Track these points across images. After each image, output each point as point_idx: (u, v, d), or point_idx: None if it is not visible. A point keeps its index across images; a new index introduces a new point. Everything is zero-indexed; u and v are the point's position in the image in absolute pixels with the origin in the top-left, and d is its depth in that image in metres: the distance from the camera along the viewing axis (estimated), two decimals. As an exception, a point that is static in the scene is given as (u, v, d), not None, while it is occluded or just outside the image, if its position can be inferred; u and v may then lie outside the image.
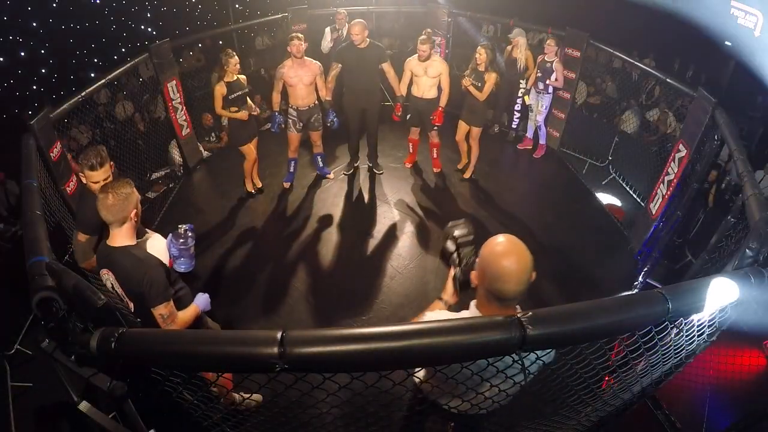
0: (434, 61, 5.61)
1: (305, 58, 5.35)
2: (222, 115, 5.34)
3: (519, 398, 1.71)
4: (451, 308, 2.07)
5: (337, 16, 7.34)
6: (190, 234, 2.88)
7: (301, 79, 5.38)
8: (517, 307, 1.78)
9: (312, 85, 5.48)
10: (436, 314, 1.96)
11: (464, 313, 1.93)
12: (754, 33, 10.32)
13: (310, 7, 7.98)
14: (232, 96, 5.25)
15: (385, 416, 2.18)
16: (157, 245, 2.90)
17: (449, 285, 2.09)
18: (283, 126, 5.63)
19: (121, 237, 2.56)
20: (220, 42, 9.95)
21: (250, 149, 5.68)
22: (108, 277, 2.66)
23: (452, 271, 2.08)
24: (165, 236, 2.95)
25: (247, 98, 5.41)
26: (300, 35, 5.28)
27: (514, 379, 1.55)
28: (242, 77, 5.41)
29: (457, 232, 2.11)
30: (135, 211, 2.54)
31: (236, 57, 5.24)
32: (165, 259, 2.85)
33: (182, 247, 2.85)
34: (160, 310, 2.56)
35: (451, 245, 2.12)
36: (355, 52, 5.55)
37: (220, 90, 5.21)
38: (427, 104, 5.84)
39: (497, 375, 1.44)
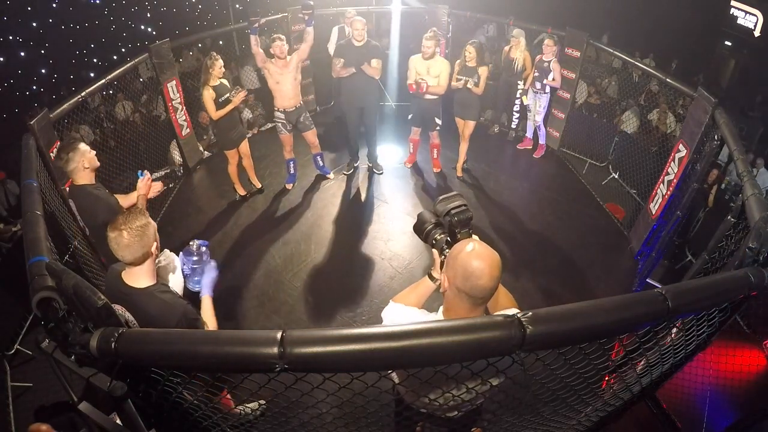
0: (437, 61, 5.60)
1: (287, 57, 5.36)
2: (219, 116, 5.29)
3: (517, 400, 1.71)
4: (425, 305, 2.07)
5: (347, 15, 7.25)
6: (203, 249, 2.71)
7: (287, 78, 5.39)
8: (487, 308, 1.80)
9: (297, 82, 5.49)
10: (405, 311, 1.98)
11: (431, 316, 1.93)
12: (753, 33, 10.35)
13: (310, 8, 7.96)
14: (221, 99, 5.25)
15: (385, 416, 2.18)
16: (169, 267, 2.76)
17: (437, 264, 2.02)
18: (261, 22, 5.42)
19: (141, 277, 2.31)
20: (221, 42, 9.96)
21: (234, 153, 5.69)
22: (122, 313, 2.36)
23: (436, 252, 2.01)
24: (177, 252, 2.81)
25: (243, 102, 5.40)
26: (282, 36, 5.31)
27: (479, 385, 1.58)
28: (224, 81, 5.41)
29: (452, 207, 1.94)
30: (156, 243, 2.31)
31: (221, 60, 5.24)
32: (179, 279, 2.73)
33: (195, 265, 2.69)
34: None
35: (432, 219, 2.01)
36: (353, 49, 5.56)
37: (210, 95, 5.18)
38: (429, 104, 5.84)
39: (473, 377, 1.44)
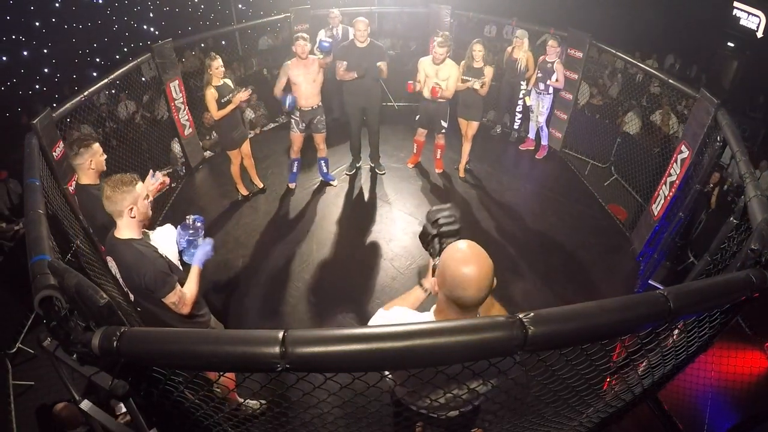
0: (446, 64, 5.58)
1: (309, 56, 5.34)
2: (221, 116, 5.29)
3: (518, 401, 1.71)
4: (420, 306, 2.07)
5: (330, 15, 7.24)
6: (198, 224, 2.90)
7: (306, 78, 5.36)
8: (479, 313, 1.76)
9: (316, 83, 5.46)
10: (395, 312, 1.96)
11: (424, 316, 1.92)
12: (756, 34, 10.33)
13: (312, 8, 7.98)
14: (224, 100, 5.24)
15: (386, 416, 2.18)
16: (164, 235, 2.94)
17: (430, 273, 2.04)
18: (295, 105, 5.41)
19: (123, 229, 2.63)
20: (223, 42, 9.97)
21: (236, 154, 5.70)
22: (112, 265, 2.79)
23: (431, 261, 2.03)
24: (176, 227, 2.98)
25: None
26: (305, 35, 5.26)
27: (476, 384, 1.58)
28: (228, 81, 5.40)
29: (440, 217, 1.98)
30: (131, 207, 2.59)
31: (219, 59, 5.23)
32: (171, 247, 2.89)
33: (191, 237, 2.87)
34: (171, 299, 2.65)
35: (432, 229, 2.02)
36: (356, 50, 5.55)
37: (212, 95, 5.17)
38: (436, 107, 5.83)
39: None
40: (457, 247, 1.69)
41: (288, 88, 5.43)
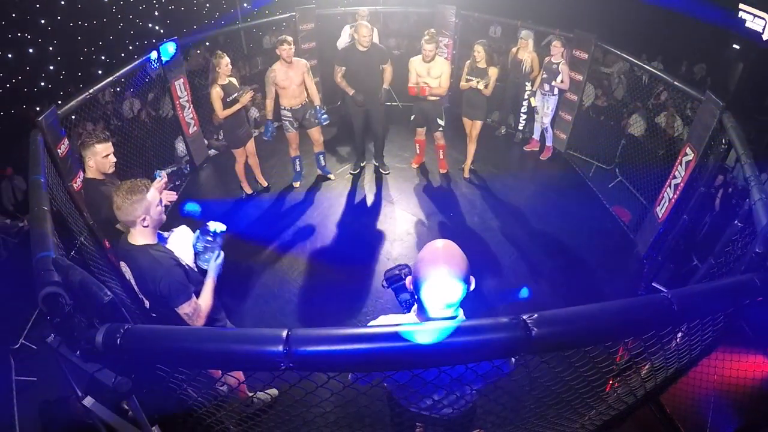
0: (437, 62, 5.59)
1: (293, 59, 5.37)
2: (226, 116, 5.30)
3: (520, 401, 1.70)
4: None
5: (360, 13, 7.25)
6: (219, 231, 2.88)
7: (292, 81, 5.40)
8: (460, 310, 1.74)
9: (302, 84, 5.50)
10: (381, 319, 1.96)
11: (405, 319, 1.91)
12: (762, 36, 10.28)
13: (317, 7, 7.98)
14: (230, 99, 5.25)
15: (387, 416, 2.18)
16: (180, 239, 2.92)
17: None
18: (275, 134, 5.67)
19: (138, 235, 2.57)
20: (228, 40, 9.99)
21: (241, 152, 5.71)
22: (126, 271, 2.69)
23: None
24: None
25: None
26: (289, 39, 5.30)
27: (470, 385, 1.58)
28: (233, 80, 5.41)
29: (387, 276, 2.18)
30: (144, 216, 2.51)
31: (227, 58, 5.23)
32: (187, 252, 2.87)
33: (208, 244, 2.84)
34: (185, 309, 2.55)
35: (386, 285, 2.22)
36: (358, 53, 5.55)
37: (218, 93, 5.18)
38: (430, 105, 5.83)
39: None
40: (432, 246, 1.65)
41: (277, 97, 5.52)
